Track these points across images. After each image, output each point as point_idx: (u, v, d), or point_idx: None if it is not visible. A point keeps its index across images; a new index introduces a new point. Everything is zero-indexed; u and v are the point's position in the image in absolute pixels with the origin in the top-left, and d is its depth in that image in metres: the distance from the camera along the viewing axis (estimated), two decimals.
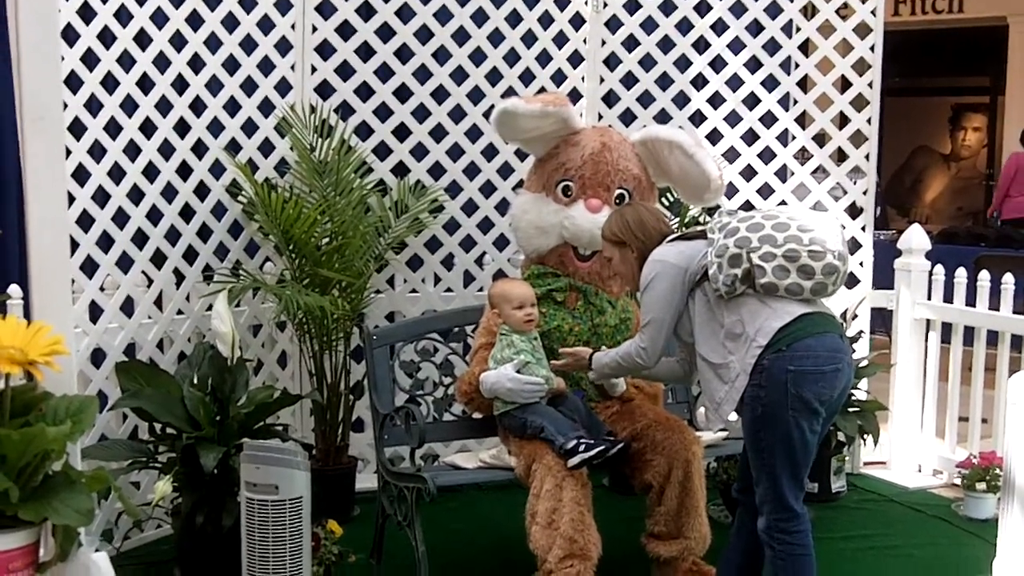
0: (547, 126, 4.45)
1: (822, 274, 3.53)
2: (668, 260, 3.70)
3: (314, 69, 5.19)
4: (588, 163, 4.42)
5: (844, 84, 5.90)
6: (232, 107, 4.96)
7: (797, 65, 5.91)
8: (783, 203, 5.80)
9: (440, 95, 5.39)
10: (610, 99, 5.70)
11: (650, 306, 3.73)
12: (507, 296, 4.26)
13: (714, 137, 5.78)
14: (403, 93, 5.35)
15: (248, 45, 4.97)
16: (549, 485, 3.92)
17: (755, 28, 5.81)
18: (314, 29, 5.16)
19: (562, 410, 4.13)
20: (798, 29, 5.89)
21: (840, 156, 5.92)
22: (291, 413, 5.16)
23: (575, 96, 5.57)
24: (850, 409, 5.32)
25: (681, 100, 5.75)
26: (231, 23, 4.91)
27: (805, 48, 5.94)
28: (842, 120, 5.92)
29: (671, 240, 3.80)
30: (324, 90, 5.23)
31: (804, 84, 5.95)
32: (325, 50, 5.22)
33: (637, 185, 4.48)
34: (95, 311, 4.45)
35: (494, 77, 5.44)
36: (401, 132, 5.39)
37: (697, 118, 5.77)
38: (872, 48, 5.82)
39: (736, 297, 3.57)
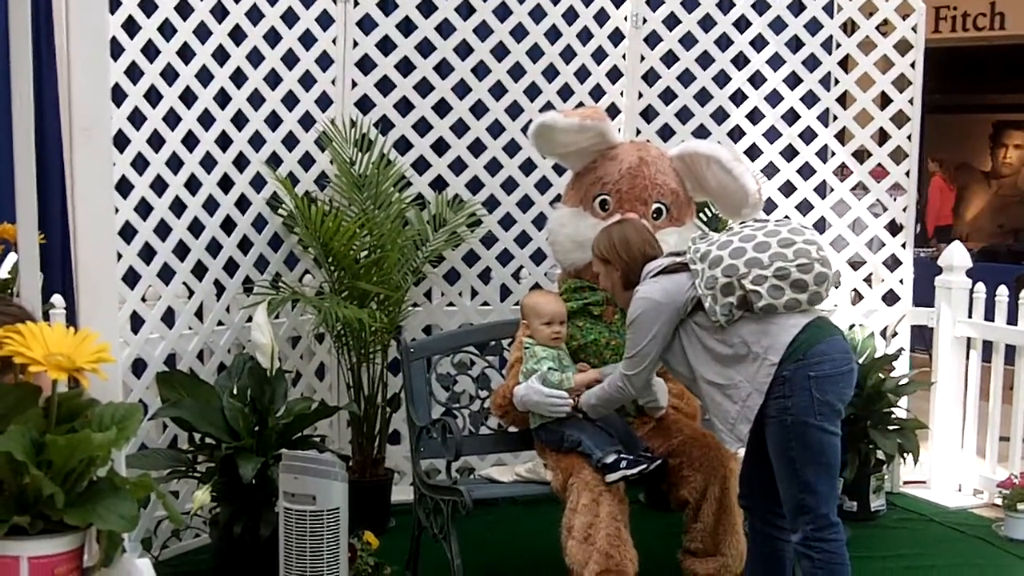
0: (584, 140, 4.46)
1: (815, 284, 3.59)
2: (653, 297, 3.74)
3: (354, 84, 5.23)
4: (626, 177, 4.43)
5: (884, 100, 5.87)
6: (273, 121, 5.00)
7: (837, 81, 5.89)
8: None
9: (479, 110, 5.41)
10: (648, 114, 5.70)
11: (635, 340, 3.77)
12: (538, 311, 4.28)
13: (753, 153, 5.77)
14: (442, 108, 5.38)
15: (289, 60, 5.02)
16: (586, 499, 3.91)
17: (795, 44, 5.80)
18: (355, 44, 5.20)
19: (600, 424, 4.13)
20: (838, 45, 5.87)
21: (881, 172, 5.88)
22: (329, 424, 5.19)
23: (613, 111, 5.59)
24: (890, 427, 5.29)
25: (720, 116, 5.74)
26: (273, 38, 4.95)
27: (845, 64, 5.92)
28: (882, 136, 5.89)
29: (654, 275, 3.80)
30: (364, 105, 5.26)
31: (844, 100, 5.93)
32: (365, 65, 5.25)
33: (675, 200, 4.48)
34: (136, 322, 4.50)
35: (533, 92, 5.46)
36: (440, 147, 5.41)
37: (736, 134, 5.76)
38: (913, 64, 5.79)
39: (734, 322, 3.61)
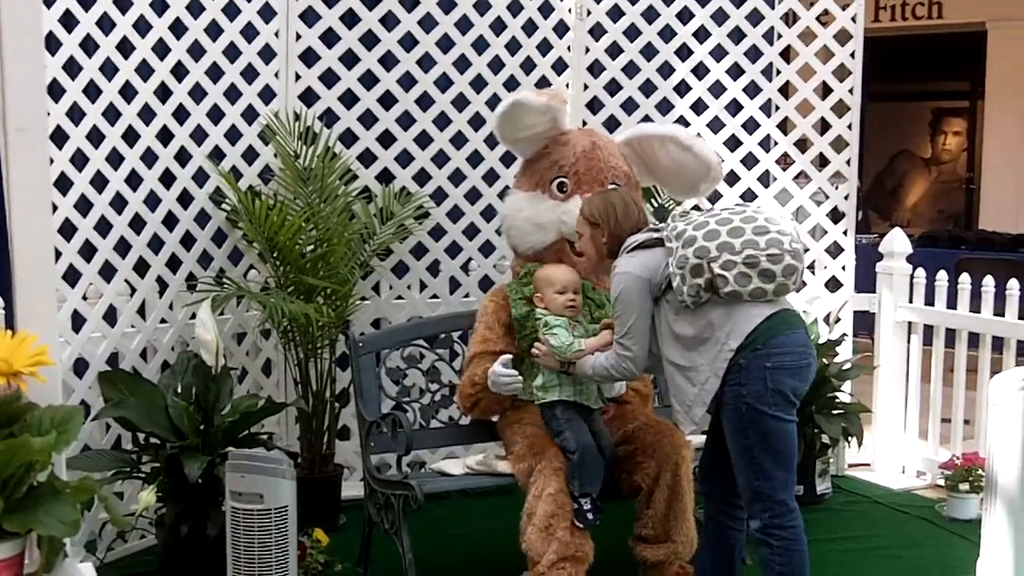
0: (543, 123, 4.48)
1: (783, 276, 3.60)
2: (634, 272, 3.74)
3: (298, 76, 5.19)
4: (581, 160, 4.46)
5: (825, 90, 5.93)
6: (216, 115, 4.95)
7: (779, 72, 5.94)
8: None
9: (425, 102, 5.39)
10: (594, 106, 5.71)
11: (627, 316, 3.76)
12: (551, 280, 4.23)
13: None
14: (388, 100, 5.35)
15: (232, 53, 4.97)
16: (552, 489, 3.94)
17: (737, 35, 5.84)
18: (298, 37, 5.16)
19: (600, 444, 4.13)
20: (779, 36, 5.92)
21: (822, 161, 5.94)
22: (276, 421, 5.15)
23: None
24: (834, 412, 5.35)
25: (664, 107, 5.77)
26: (215, 31, 4.90)
27: (786, 55, 5.97)
28: (823, 126, 5.95)
29: (631, 250, 3.82)
30: (308, 97, 5.22)
31: (786, 90, 5.97)
32: (309, 57, 5.21)
33: (627, 182, 4.54)
34: (77, 320, 4.44)
35: (479, 84, 5.44)
36: (386, 139, 5.39)
37: (681, 124, 5.78)
38: (852, 54, 5.85)
39: (702, 304, 3.62)
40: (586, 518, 3.97)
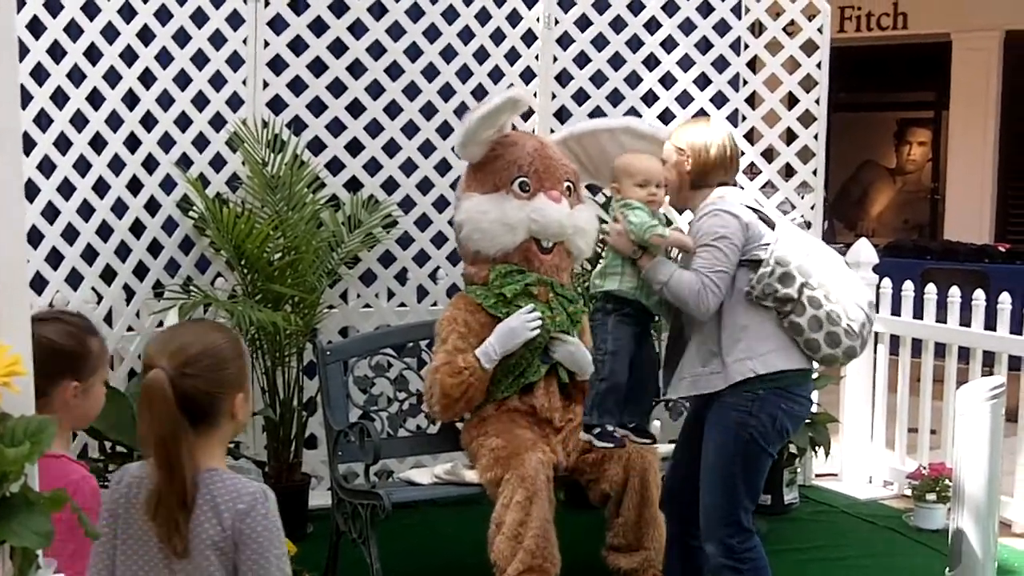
0: (498, 127, 4.51)
1: (842, 351, 3.56)
2: (742, 219, 3.55)
3: (266, 84, 5.17)
4: (537, 158, 4.49)
5: (792, 100, 5.97)
6: (183, 122, 4.93)
7: (745, 82, 5.97)
8: None
9: (393, 110, 5.39)
10: (562, 115, 5.72)
11: (722, 254, 3.51)
12: (629, 170, 3.88)
13: None
14: (356, 108, 5.34)
15: (199, 60, 4.95)
16: (520, 497, 3.93)
17: (704, 45, 5.87)
18: (266, 44, 5.15)
19: (639, 376, 3.84)
20: (746, 46, 5.96)
21: (788, 171, 5.98)
22: (243, 430, 5.13)
23: (527, 112, 5.59)
24: (794, 430, 5.38)
25: (632, 115, 5.77)
26: (182, 38, 4.88)
27: (753, 65, 6.01)
28: (790, 136, 5.99)
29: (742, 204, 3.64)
30: (276, 105, 5.21)
31: (752, 101, 6.01)
32: (277, 65, 5.20)
33: (576, 179, 4.61)
34: None
35: (447, 93, 5.44)
36: (354, 147, 5.38)
37: None
38: (819, 65, 5.89)
39: (755, 306, 3.55)
40: (612, 437, 3.79)
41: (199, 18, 4.93)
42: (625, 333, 3.77)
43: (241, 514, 2.28)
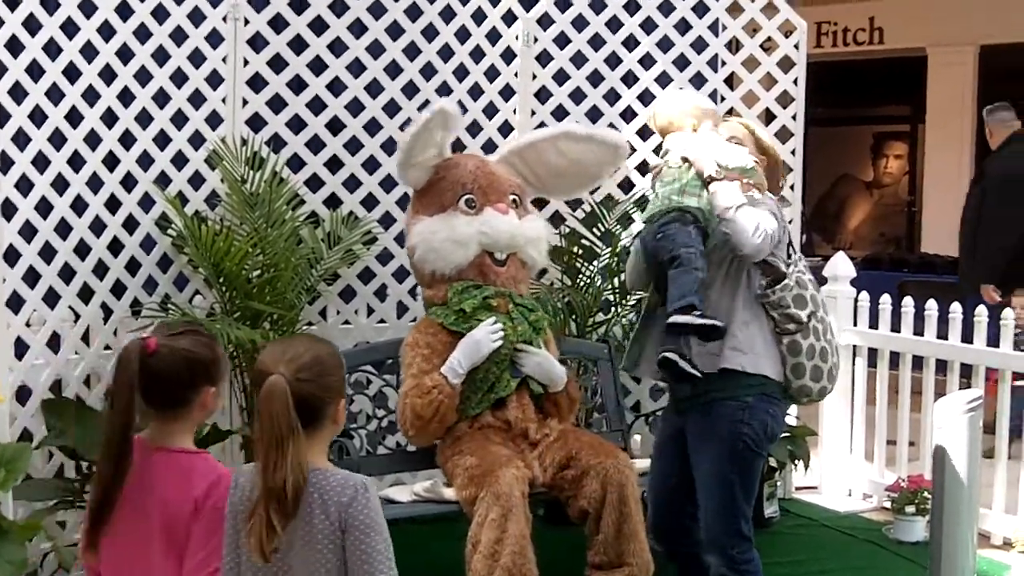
0: (440, 149, 4.58)
1: (817, 390, 3.73)
2: (778, 216, 3.70)
3: (245, 102, 5.17)
4: (480, 175, 4.55)
5: (769, 116, 6.01)
6: (162, 140, 4.92)
7: (723, 98, 6.00)
8: None
9: (372, 128, 5.39)
10: None
11: (776, 224, 3.61)
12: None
13: (644, 168, 5.85)
14: (336, 125, 5.34)
15: (179, 78, 4.94)
16: (495, 515, 3.93)
17: (682, 62, 5.90)
18: (246, 62, 5.14)
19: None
20: (723, 63, 6.00)
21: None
22: (221, 449, 5.08)
23: (507, 129, 5.64)
24: (781, 435, 5.40)
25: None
26: (162, 57, 4.88)
27: (730, 82, 6.05)
28: None
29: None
30: (256, 123, 5.21)
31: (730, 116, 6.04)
32: (257, 83, 5.20)
33: (521, 192, 4.67)
34: (21, 347, 4.38)
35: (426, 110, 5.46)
36: (334, 164, 5.38)
37: (627, 148, 5.82)
38: (795, 81, 5.93)
39: (761, 309, 3.67)
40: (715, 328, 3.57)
41: (179, 37, 4.93)
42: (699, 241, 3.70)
43: (344, 505, 2.50)
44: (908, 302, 5.67)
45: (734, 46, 6.02)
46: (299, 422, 2.47)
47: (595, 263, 5.56)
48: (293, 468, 2.44)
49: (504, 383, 4.37)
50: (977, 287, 6.72)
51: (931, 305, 5.53)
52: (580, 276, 5.56)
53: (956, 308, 5.45)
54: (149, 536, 2.67)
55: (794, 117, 5.94)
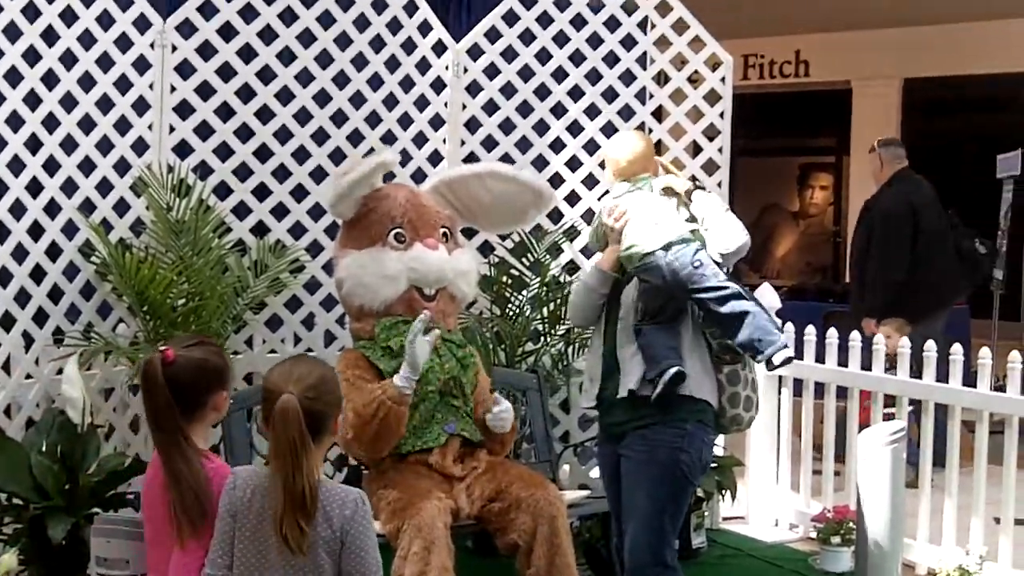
0: (372, 187, 4.57)
1: (747, 419, 3.90)
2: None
3: (172, 129, 5.12)
4: (410, 208, 4.55)
5: (696, 149, 6.07)
6: (87, 167, 4.86)
7: (651, 130, 6.06)
8: None
9: (301, 155, 5.36)
10: (471, 162, 5.74)
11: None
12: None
13: (573, 199, 5.89)
14: (263, 153, 5.31)
15: (105, 104, 4.89)
16: (417, 548, 3.89)
17: (610, 95, 5.96)
18: (173, 89, 5.10)
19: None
20: (651, 96, 6.07)
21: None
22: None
23: (436, 158, 5.65)
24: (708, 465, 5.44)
25: (540, 163, 5.85)
26: (87, 82, 4.82)
27: (659, 114, 6.11)
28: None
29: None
30: (182, 150, 5.16)
31: (658, 149, 6.07)
32: (184, 110, 5.15)
33: (452, 224, 4.70)
34: None
35: (356, 139, 5.45)
36: (261, 192, 5.34)
37: (556, 180, 5.86)
38: (722, 115, 6.01)
39: (703, 338, 3.80)
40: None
41: (105, 63, 4.87)
42: None
43: (347, 519, 2.81)
44: (832, 334, 5.74)
45: (662, 79, 6.08)
46: (309, 435, 2.78)
47: (524, 293, 5.58)
48: (308, 476, 2.75)
49: (434, 435, 4.33)
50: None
51: (855, 336, 5.61)
52: (509, 306, 5.56)
53: (879, 339, 5.53)
54: (165, 527, 3.01)
55: (720, 150, 6.01)
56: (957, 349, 5.14)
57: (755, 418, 3.94)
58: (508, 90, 5.80)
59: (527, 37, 5.84)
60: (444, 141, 5.68)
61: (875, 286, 6.87)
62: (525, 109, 5.84)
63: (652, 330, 3.75)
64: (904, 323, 6.54)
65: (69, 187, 4.78)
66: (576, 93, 5.92)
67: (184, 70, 5.13)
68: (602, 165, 5.87)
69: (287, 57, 5.31)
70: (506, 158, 5.74)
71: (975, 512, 5.05)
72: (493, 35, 5.78)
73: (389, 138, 5.51)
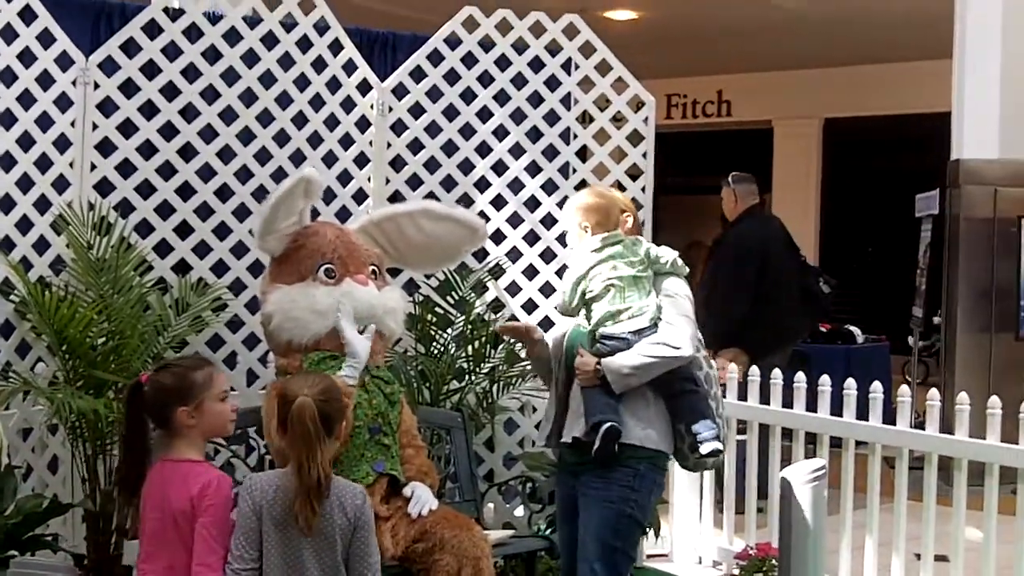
0: (298, 218, 4.55)
1: (710, 461, 4.02)
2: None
3: (94, 166, 5.08)
4: (340, 245, 4.54)
5: (620, 188, 6.11)
6: (6, 204, 4.81)
7: (575, 170, 6.12)
8: None
9: (224, 194, 5.33)
10: (396, 200, 5.75)
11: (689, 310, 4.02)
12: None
13: (497, 237, 5.92)
14: (186, 191, 5.27)
15: (25, 142, 4.84)
16: None
17: (535, 134, 6.01)
18: (95, 127, 5.06)
19: None
20: (575, 136, 6.13)
21: None
22: (62, 522, 4.92)
23: (361, 196, 5.65)
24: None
25: (465, 201, 5.87)
26: (8, 120, 4.78)
27: (582, 154, 6.17)
28: None
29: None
30: (104, 187, 5.11)
31: (582, 188, 6.13)
32: (106, 147, 5.11)
33: (380, 262, 4.69)
34: None
35: (279, 176, 5.39)
36: (183, 230, 5.30)
37: (481, 218, 5.87)
38: (644, 155, 6.08)
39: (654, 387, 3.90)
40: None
41: (26, 100, 4.83)
42: None
43: (359, 507, 3.41)
44: (754, 371, 5.81)
45: (586, 119, 6.15)
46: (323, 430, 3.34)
47: (449, 331, 5.58)
48: (322, 465, 3.31)
49: (363, 474, 4.30)
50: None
51: (776, 374, 5.69)
52: (434, 344, 5.57)
53: (800, 377, 5.58)
54: (164, 531, 3.46)
55: (643, 189, 6.08)
56: (877, 387, 5.23)
57: (722, 456, 4.12)
58: (433, 129, 5.83)
59: (452, 77, 5.89)
60: (369, 179, 5.69)
61: (719, 320, 6.89)
62: (450, 148, 5.87)
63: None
64: (740, 353, 6.65)
65: None
66: (501, 132, 5.97)
67: (106, 107, 5.10)
68: (528, 206, 5.97)
69: (210, 95, 5.29)
70: (431, 196, 5.75)
71: (896, 549, 5.12)
72: (418, 74, 5.82)
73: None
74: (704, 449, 3.87)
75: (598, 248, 4.08)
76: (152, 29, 5.19)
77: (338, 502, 3.36)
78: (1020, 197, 8.16)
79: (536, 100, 6.00)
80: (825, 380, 5.49)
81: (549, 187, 6.01)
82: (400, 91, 5.78)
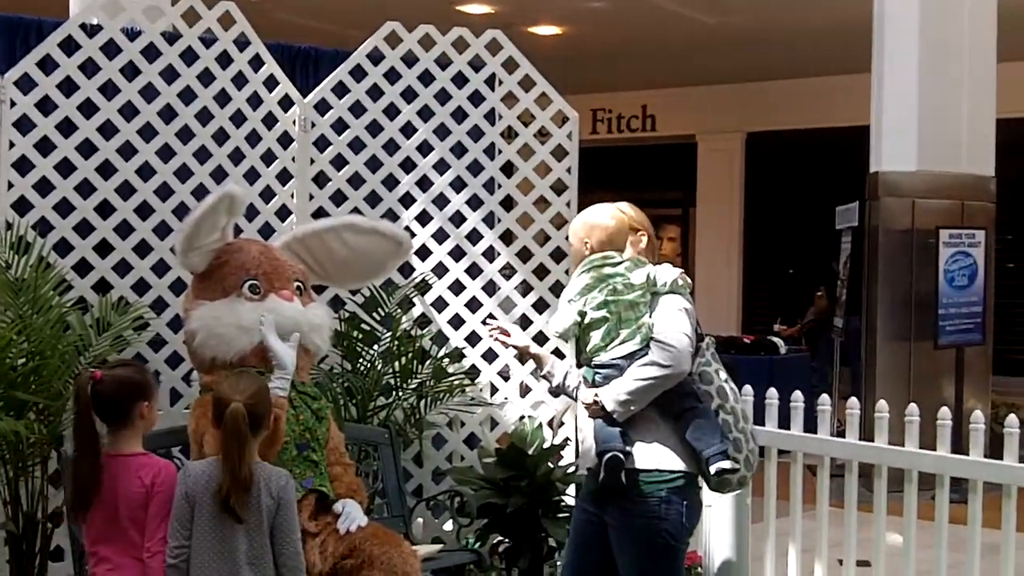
0: (221, 234, 4.55)
1: (735, 480, 3.90)
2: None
3: (11, 185, 5.00)
4: (264, 261, 4.54)
5: (544, 204, 6.17)
6: None
7: (500, 186, 6.15)
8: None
9: (144, 211, 5.28)
10: (320, 215, 5.74)
11: (685, 336, 3.89)
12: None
13: (423, 253, 5.93)
14: (105, 209, 5.21)
15: None
16: None
17: (459, 150, 6.03)
18: (11, 145, 4.99)
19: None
20: (499, 152, 6.15)
21: (543, 271, 6.14)
22: None
23: (284, 212, 5.62)
24: (559, 515, 5.47)
25: (390, 217, 5.85)
26: None
27: (507, 170, 6.19)
28: (544, 237, 6.17)
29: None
30: (21, 206, 5.03)
31: (508, 203, 6.18)
32: (23, 166, 5.04)
33: (305, 279, 4.71)
34: None
35: (201, 193, 5.34)
36: (103, 248, 5.24)
37: (407, 233, 5.88)
38: (569, 170, 6.12)
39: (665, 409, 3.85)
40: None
41: None
42: None
43: (282, 488, 3.74)
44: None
45: (510, 135, 6.18)
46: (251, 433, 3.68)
47: (376, 347, 5.57)
48: (249, 463, 3.65)
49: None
50: None
51: None
52: (360, 360, 5.55)
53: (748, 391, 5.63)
54: (117, 519, 3.69)
55: (568, 204, 6.12)
56: (798, 396, 5.29)
57: (748, 477, 3.97)
58: (356, 145, 5.83)
59: (375, 92, 5.89)
60: (292, 196, 5.66)
61: None
62: (374, 164, 5.87)
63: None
64: None
65: None
66: (425, 148, 5.98)
67: (23, 126, 5.03)
68: (453, 221, 5.98)
69: (129, 112, 5.24)
70: (356, 212, 5.74)
71: (819, 555, 5.19)
72: (341, 90, 5.81)
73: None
74: (712, 469, 3.80)
75: (586, 269, 4.10)
76: (69, 46, 5.14)
77: (264, 485, 3.69)
78: (938, 208, 8.35)
79: (460, 115, 6.02)
80: (748, 390, 5.54)
81: (474, 202, 6.03)
82: (322, 107, 5.77)
